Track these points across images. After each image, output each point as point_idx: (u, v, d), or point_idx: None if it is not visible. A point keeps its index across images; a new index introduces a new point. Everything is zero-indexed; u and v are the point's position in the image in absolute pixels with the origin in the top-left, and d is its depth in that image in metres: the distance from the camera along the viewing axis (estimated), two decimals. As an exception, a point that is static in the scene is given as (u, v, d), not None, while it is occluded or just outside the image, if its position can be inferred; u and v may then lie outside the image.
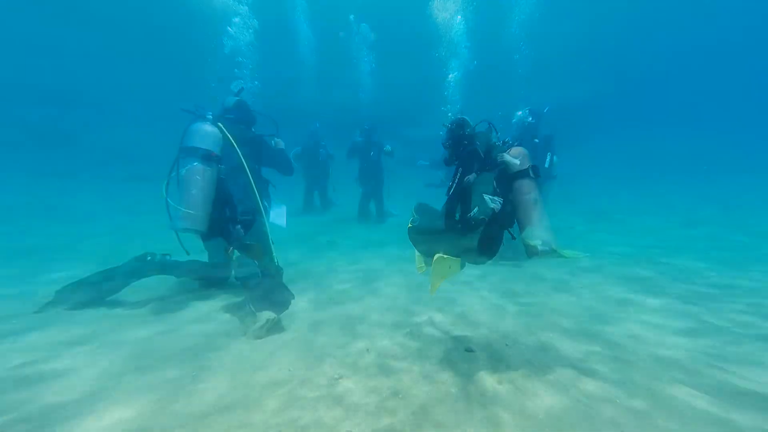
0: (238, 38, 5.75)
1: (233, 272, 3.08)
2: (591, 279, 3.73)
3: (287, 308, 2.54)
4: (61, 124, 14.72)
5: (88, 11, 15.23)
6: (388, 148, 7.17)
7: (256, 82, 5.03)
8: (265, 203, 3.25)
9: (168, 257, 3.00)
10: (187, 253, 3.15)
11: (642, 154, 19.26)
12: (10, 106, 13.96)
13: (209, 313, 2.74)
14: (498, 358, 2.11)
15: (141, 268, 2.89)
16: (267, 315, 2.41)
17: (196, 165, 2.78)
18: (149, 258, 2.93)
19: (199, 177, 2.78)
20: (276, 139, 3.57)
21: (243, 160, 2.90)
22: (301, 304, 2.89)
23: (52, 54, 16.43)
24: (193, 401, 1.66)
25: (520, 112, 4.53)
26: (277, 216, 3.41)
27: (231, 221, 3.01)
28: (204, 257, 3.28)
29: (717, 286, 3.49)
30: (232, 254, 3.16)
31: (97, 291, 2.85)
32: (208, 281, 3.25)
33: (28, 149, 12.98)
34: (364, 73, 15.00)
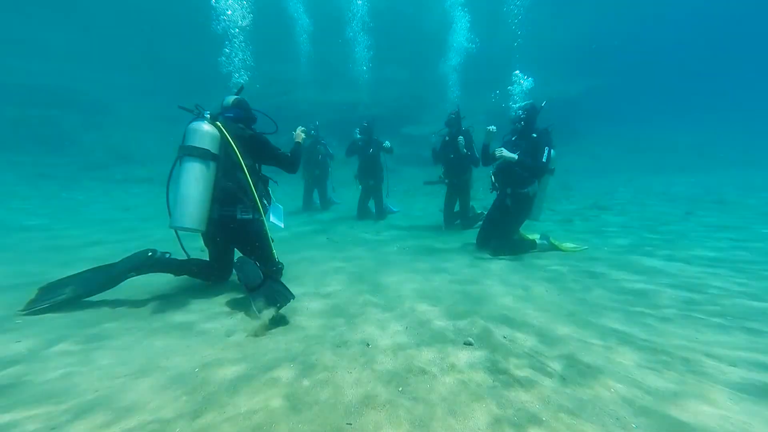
0: (230, 17, 5.65)
1: (234, 271, 3.08)
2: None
3: (287, 303, 2.55)
4: (60, 125, 14.69)
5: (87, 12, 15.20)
6: (387, 144, 7.16)
7: (247, 60, 4.94)
8: (265, 202, 3.24)
9: (168, 255, 2.99)
10: (188, 255, 3.16)
11: (641, 147, 19.21)
12: (6, 106, 13.93)
13: (210, 312, 2.75)
14: (498, 352, 2.13)
15: (140, 264, 2.83)
16: (268, 313, 2.43)
17: (195, 164, 2.78)
18: (150, 254, 2.87)
19: (197, 176, 2.78)
20: (294, 131, 3.71)
21: (241, 158, 2.89)
22: (300, 302, 2.91)
23: (51, 54, 16.38)
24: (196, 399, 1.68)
25: (521, 103, 4.52)
26: (274, 216, 3.41)
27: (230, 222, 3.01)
28: (204, 257, 3.28)
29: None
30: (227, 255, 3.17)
31: (88, 288, 2.76)
32: (208, 280, 3.27)
33: (26, 150, 12.95)
34: (363, 59, 14.94)
